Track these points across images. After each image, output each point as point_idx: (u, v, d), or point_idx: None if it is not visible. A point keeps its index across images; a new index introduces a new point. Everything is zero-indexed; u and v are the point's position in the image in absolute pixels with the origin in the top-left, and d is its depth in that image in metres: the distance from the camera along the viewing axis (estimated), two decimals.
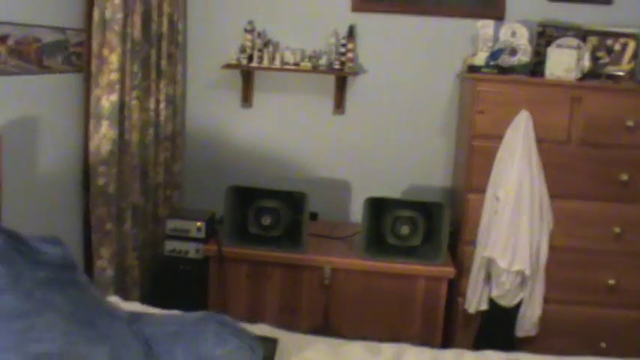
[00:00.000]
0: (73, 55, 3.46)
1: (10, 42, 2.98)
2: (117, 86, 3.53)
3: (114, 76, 3.52)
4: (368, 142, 4.23)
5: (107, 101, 3.52)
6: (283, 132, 4.27)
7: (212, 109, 4.29)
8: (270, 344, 2.57)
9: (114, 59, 3.51)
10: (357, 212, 4.20)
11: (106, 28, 3.48)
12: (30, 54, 3.13)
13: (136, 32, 3.66)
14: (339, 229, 4.07)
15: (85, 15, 3.52)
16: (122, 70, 3.58)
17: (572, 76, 3.61)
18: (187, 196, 4.31)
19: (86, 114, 3.59)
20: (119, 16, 3.48)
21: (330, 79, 4.17)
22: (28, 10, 3.10)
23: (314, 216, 4.16)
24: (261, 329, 2.69)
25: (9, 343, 1.91)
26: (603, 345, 3.69)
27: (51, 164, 3.36)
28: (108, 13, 3.47)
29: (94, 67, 3.51)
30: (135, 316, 2.43)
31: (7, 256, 2.06)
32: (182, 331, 2.34)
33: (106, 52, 3.51)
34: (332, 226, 4.11)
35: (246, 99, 4.24)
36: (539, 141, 3.56)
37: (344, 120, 4.23)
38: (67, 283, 2.19)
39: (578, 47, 3.70)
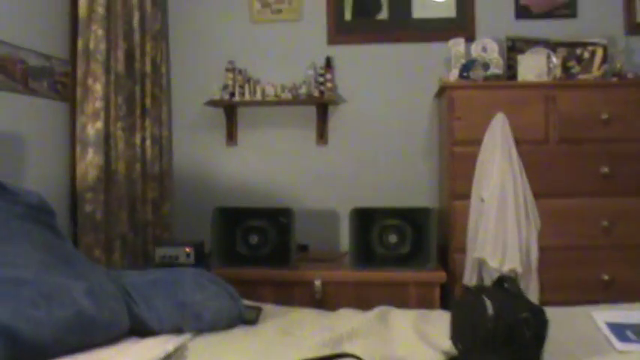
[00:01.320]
0: (58, 83, 3.58)
1: None
2: (102, 114, 3.63)
3: (98, 104, 3.63)
4: (352, 170, 4.29)
5: (93, 128, 3.61)
6: (268, 167, 4.33)
7: (198, 150, 4.37)
8: (255, 310, 2.54)
9: (98, 88, 3.63)
10: (347, 241, 4.19)
11: (90, 58, 3.62)
12: (15, 73, 3.25)
13: (120, 66, 3.79)
14: (330, 256, 4.05)
15: (69, 46, 3.68)
16: (107, 99, 3.69)
17: (544, 79, 3.73)
18: (176, 235, 4.31)
19: (72, 141, 3.67)
20: (102, 47, 3.62)
21: (312, 111, 4.27)
22: (14, 30, 3.25)
23: (304, 248, 4.15)
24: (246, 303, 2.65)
25: None
26: None
27: (37, 187, 3.39)
28: (91, 44, 3.62)
29: (79, 95, 3.62)
30: (112, 270, 2.42)
31: None
32: (160, 279, 2.33)
33: (90, 81, 3.64)
34: (322, 255, 4.08)
35: (231, 137, 4.32)
36: (518, 142, 3.62)
37: (327, 150, 4.30)
38: (43, 223, 2.21)
39: (548, 55, 3.82)
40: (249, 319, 2.43)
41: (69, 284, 2.03)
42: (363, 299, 3.53)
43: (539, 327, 1.92)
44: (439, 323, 2.43)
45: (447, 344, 2.17)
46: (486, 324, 1.94)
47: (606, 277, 3.60)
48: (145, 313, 2.22)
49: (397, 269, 3.61)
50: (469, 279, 3.61)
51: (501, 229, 3.54)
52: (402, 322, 2.43)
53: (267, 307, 2.64)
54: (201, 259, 3.82)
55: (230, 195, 4.30)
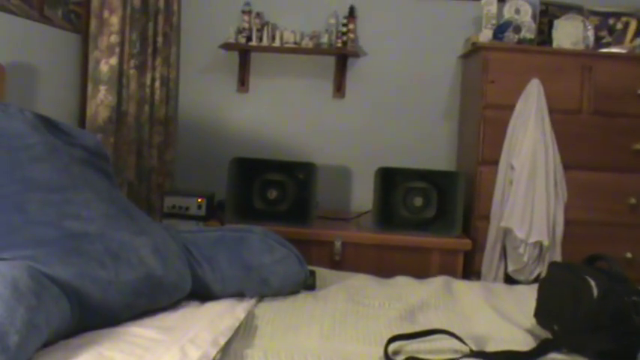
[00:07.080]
0: (72, 13, 3.30)
1: None
2: (117, 50, 3.38)
3: (114, 38, 3.37)
4: (368, 126, 4.10)
5: (107, 65, 3.36)
6: (280, 117, 4.11)
7: (206, 94, 4.11)
8: (312, 274, 2.38)
9: (115, 21, 3.37)
10: (357, 200, 4.05)
11: None
12: None
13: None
14: (344, 215, 3.89)
15: None
16: (122, 34, 3.42)
17: (580, 47, 3.60)
18: (179, 184, 4.08)
19: (83, 77, 3.40)
20: None
21: (330, 62, 4.06)
22: None
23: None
24: None
25: (46, 216, 1.69)
26: None
27: None
28: None
29: (93, 28, 3.36)
30: (169, 225, 2.22)
31: (40, 129, 1.85)
32: (224, 237, 2.13)
33: (106, 13, 3.37)
34: (335, 214, 3.91)
35: (243, 83, 4.09)
36: (550, 110, 3.49)
37: (344, 104, 4.10)
38: (101, 170, 1.99)
39: (584, 23, 3.70)
40: (309, 283, 2.27)
41: (134, 241, 1.82)
42: (384, 263, 3.41)
43: None
44: (508, 298, 2.32)
45: (529, 322, 2.06)
46: (591, 306, 1.82)
47: (629, 256, 3.54)
48: (209, 275, 2.03)
49: (421, 234, 3.48)
50: (492, 248, 3.51)
51: (530, 198, 3.43)
52: (470, 294, 2.30)
53: (319, 271, 2.48)
54: (211, 212, 3.62)
55: (238, 144, 4.05)
